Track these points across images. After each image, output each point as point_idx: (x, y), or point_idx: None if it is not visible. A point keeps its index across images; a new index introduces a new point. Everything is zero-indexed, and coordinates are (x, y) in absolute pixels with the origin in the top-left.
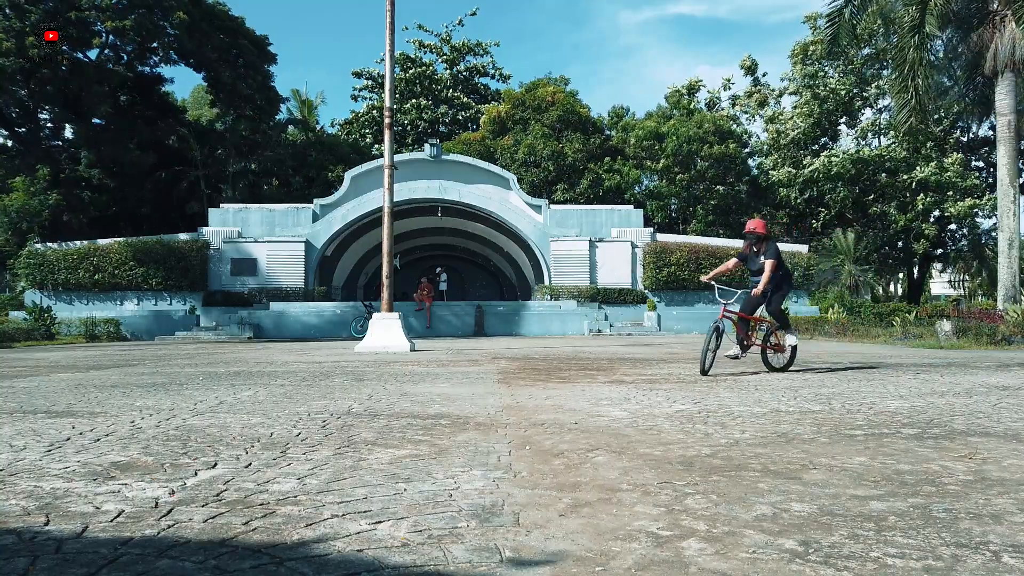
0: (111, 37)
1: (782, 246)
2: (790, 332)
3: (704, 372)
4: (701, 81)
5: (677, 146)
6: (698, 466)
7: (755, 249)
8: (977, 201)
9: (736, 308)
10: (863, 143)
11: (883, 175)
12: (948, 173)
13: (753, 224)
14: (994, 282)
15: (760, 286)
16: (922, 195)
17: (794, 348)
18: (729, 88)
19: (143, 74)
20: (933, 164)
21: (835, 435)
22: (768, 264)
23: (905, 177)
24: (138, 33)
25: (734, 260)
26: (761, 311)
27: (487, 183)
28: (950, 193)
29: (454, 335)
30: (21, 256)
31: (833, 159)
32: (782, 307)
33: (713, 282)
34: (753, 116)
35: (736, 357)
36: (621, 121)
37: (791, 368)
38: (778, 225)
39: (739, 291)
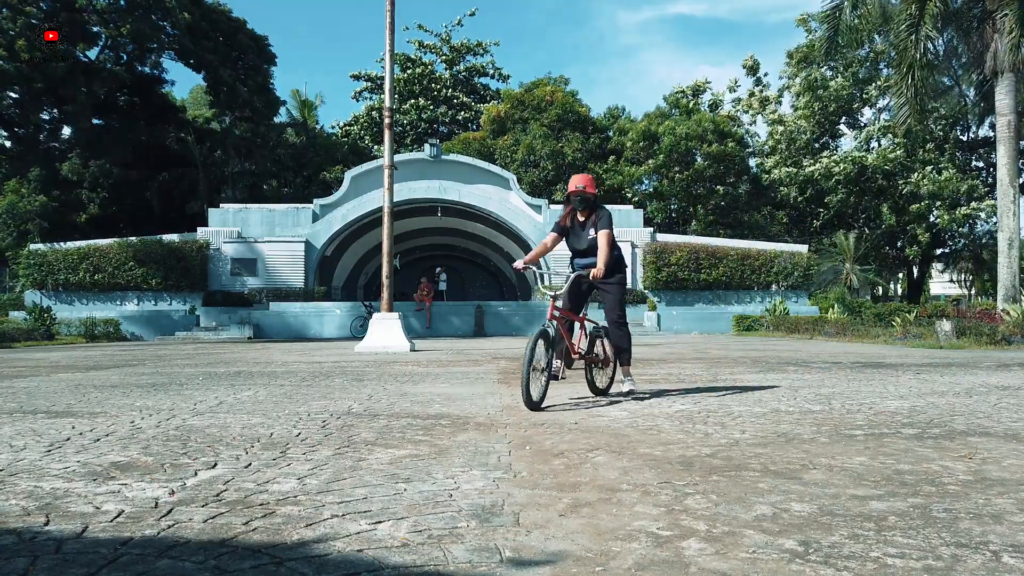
0: (109, 40)
1: (781, 246)
2: (624, 351)
3: (532, 405)
4: (709, 83)
5: (673, 143)
6: (698, 466)
7: (580, 219)
8: (976, 205)
9: (563, 303)
10: (864, 146)
11: (880, 179)
12: (944, 177)
13: (581, 181)
14: (994, 282)
15: (600, 264)
16: (917, 203)
17: (621, 363)
18: (735, 91)
19: (143, 74)
20: (930, 168)
21: (835, 435)
22: (603, 236)
23: (902, 182)
24: (136, 37)
25: (552, 235)
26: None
27: (487, 183)
28: (939, 203)
29: (454, 335)
30: (21, 256)
31: (833, 165)
32: (623, 306)
33: (532, 267)
34: (755, 117)
35: (556, 377)
36: (617, 122)
37: (613, 394)
38: (778, 225)
39: (570, 275)
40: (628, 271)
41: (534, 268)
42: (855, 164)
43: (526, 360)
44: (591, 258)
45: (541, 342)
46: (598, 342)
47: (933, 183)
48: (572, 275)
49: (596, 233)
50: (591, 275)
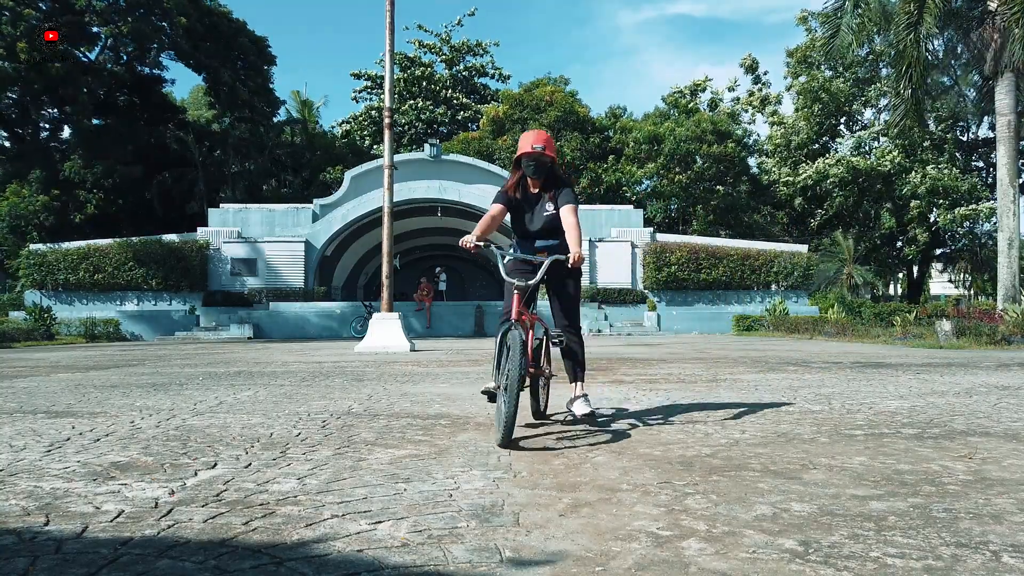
0: (109, 40)
1: (781, 246)
2: (579, 364)
3: (507, 440)
4: (710, 80)
5: (675, 146)
6: (698, 466)
7: (533, 190)
8: (975, 206)
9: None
10: (863, 147)
11: (880, 184)
12: (943, 177)
13: (537, 139)
14: (994, 282)
15: (576, 247)
16: (916, 201)
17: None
18: (735, 89)
19: (143, 74)
20: (930, 167)
21: (835, 435)
22: (571, 211)
23: (900, 183)
24: (135, 37)
25: (498, 207)
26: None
27: (487, 183)
28: (943, 201)
29: (454, 335)
30: (21, 256)
31: (830, 168)
32: (579, 307)
33: (493, 245)
34: (754, 117)
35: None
36: (618, 122)
37: (565, 419)
38: (778, 225)
39: (538, 258)
40: (628, 271)
41: (495, 247)
42: (849, 168)
43: (516, 382)
44: (549, 241)
45: (520, 349)
46: (542, 350)
47: (932, 181)
48: (548, 259)
49: (556, 209)
50: (571, 260)
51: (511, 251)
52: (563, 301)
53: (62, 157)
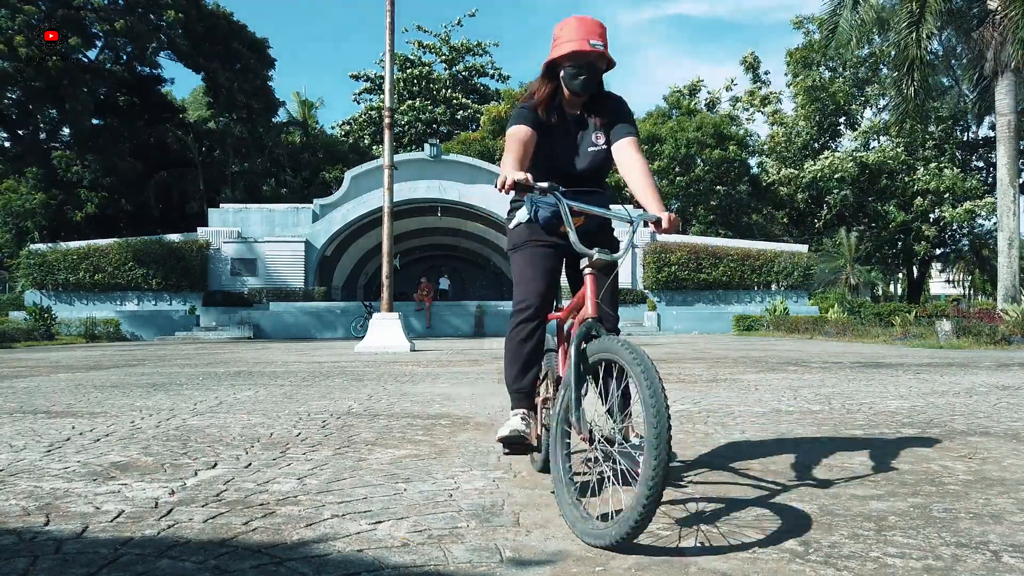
0: (108, 39)
1: (781, 246)
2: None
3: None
4: (702, 81)
5: (676, 149)
6: (698, 466)
7: (574, 110)
8: (977, 202)
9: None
10: (864, 144)
11: (884, 179)
12: (945, 174)
13: (593, 30)
14: (994, 282)
15: (657, 203)
16: (920, 199)
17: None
18: (732, 89)
19: (142, 74)
20: (932, 166)
21: (835, 435)
22: (632, 144)
23: (906, 179)
24: (132, 36)
25: (527, 130)
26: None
27: (487, 183)
28: (947, 195)
29: (454, 335)
30: (21, 256)
31: (834, 163)
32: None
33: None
34: (754, 115)
35: (535, 446)
36: None
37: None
38: (779, 225)
39: (588, 207)
40: (628, 271)
41: (538, 191)
42: (856, 163)
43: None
44: (594, 190)
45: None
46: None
47: (938, 180)
48: (639, 217)
49: (607, 144)
50: (664, 224)
51: (529, 208)
52: (612, 290)
53: (61, 156)
